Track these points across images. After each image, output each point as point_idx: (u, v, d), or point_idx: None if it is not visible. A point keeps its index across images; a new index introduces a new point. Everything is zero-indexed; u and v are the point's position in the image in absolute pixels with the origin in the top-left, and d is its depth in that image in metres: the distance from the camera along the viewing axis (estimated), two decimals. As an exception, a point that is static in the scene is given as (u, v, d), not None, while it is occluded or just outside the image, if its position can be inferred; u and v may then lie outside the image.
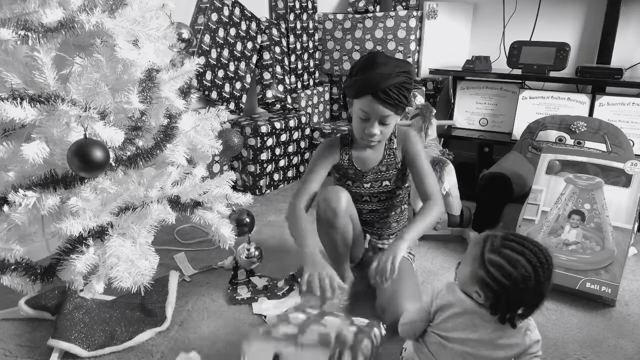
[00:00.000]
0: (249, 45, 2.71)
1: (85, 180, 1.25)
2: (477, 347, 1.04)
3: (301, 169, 2.98)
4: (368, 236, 1.71)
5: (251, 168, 2.65)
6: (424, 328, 1.14)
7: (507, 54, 2.59)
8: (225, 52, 2.56)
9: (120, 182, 1.35)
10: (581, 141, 2.12)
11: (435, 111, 2.24)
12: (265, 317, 1.57)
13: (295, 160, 2.90)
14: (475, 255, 1.03)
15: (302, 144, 2.93)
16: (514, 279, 0.97)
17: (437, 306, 1.09)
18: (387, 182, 1.61)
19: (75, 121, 1.19)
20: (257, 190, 2.69)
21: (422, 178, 1.54)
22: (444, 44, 2.91)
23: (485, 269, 1.00)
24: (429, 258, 1.98)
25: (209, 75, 2.47)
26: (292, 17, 2.95)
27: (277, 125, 2.69)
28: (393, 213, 1.68)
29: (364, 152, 1.58)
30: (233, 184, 2.73)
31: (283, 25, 2.94)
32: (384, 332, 1.38)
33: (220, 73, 2.54)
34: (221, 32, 2.51)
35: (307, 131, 2.95)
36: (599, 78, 2.35)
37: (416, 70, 2.96)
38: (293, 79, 3.05)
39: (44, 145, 1.16)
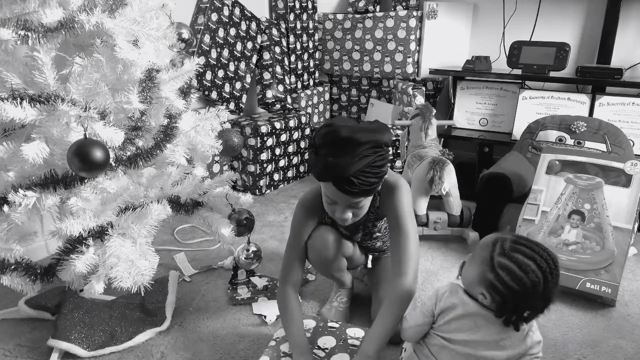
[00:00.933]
0: (249, 45, 2.71)
1: (85, 180, 1.25)
2: (480, 348, 1.04)
3: (301, 169, 2.98)
4: (370, 256, 1.68)
5: (251, 168, 2.65)
6: (427, 330, 1.14)
7: (507, 54, 2.59)
8: (225, 52, 2.56)
9: (120, 182, 1.35)
10: (581, 141, 2.12)
11: (435, 111, 2.24)
12: (265, 317, 1.57)
13: (295, 160, 2.90)
14: (484, 257, 1.01)
15: (302, 144, 2.93)
16: (523, 283, 0.96)
17: (440, 309, 1.09)
18: (377, 233, 1.50)
19: (75, 121, 1.19)
20: (257, 190, 2.69)
21: (398, 245, 1.28)
22: (444, 44, 2.91)
23: (494, 272, 0.99)
24: (429, 258, 1.98)
25: (209, 75, 2.47)
26: (292, 17, 2.95)
27: (277, 125, 2.69)
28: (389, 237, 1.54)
29: None
30: (233, 184, 2.73)
31: (283, 25, 2.94)
32: None
33: (220, 73, 2.54)
34: (221, 32, 2.51)
35: (307, 131, 2.95)
36: (599, 78, 2.35)
37: (416, 70, 2.96)
38: (293, 79, 3.05)
39: (44, 145, 1.16)
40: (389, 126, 1.24)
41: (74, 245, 1.24)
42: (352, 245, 1.52)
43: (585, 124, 2.12)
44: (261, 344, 1.42)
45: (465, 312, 1.05)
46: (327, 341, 1.34)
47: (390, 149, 1.19)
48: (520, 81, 2.63)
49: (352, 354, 1.28)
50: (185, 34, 1.64)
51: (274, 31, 2.86)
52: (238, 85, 2.67)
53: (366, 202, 1.25)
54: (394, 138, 2.61)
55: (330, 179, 1.15)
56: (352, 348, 1.31)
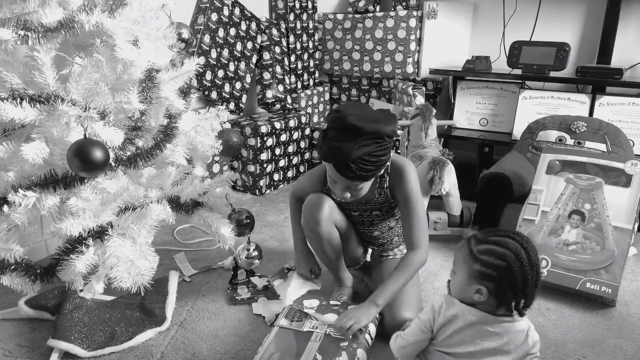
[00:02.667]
0: (249, 45, 2.71)
1: (85, 180, 1.25)
2: (486, 357, 1.04)
3: (301, 169, 2.98)
4: (370, 250, 1.68)
5: (251, 168, 2.65)
6: (424, 346, 1.14)
7: (507, 54, 2.59)
8: (225, 52, 2.56)
9: (120, 182, 1.35)
10: (581, 141, 2.12)
11: (435, 111, 2.24)
12: (264, 317, 1.57)
13: (295, 160, 2.90)
14: (465, 255, 1.06)
15: (302, 144, 2.93)
16: (507, 257, 1.00)
17: (440, 323, 1.09)
18: (377, 212, 1.53)
19: (75, 121, 1.19)
20: (257, 190, 2.69)
21: (410, 223, 1.42)
22: (444, 44, 2.91)
23: (479, 261, 1.03)
24: (429, 258, 1.97)
25: (208, 75, 2.47)
26: (292, 17, 2.95)
27: (277, 125, 2.69)
28: (390, 228, 1.60)
29: None
30: (233, 184, 2.73)
31: (283, 25, 2.94)
32: (374, 327, 1.39)
33: (220, 73, 2.54)
34: (221, 32, 2.51)
35: (307, 131, 2.95)
36: (599, 78, 2.35)
37: (416, 70, 2.96)
38: (293, 79, 3.05)
39: (43, 145, 1.16)
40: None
41: (73, 245, 1.24)
42: (347, 222, 1.57)
43: (585, 124, 2.12)
44: (261, 344, 1.41)
45: (467, 322, 1.05)
46: (331, 318, 1.39)
47: (393, 139, 1.29)
48: (520, 81, 2.63)
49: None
50: (185, 34, 1.63)
51: (274, 31, 2.86)
52: (238, 85, 2.67)
53: (365, 185, 1.33)
54: (394, 138, 2.60)
55: (331, 161, 1.26)
56: None
